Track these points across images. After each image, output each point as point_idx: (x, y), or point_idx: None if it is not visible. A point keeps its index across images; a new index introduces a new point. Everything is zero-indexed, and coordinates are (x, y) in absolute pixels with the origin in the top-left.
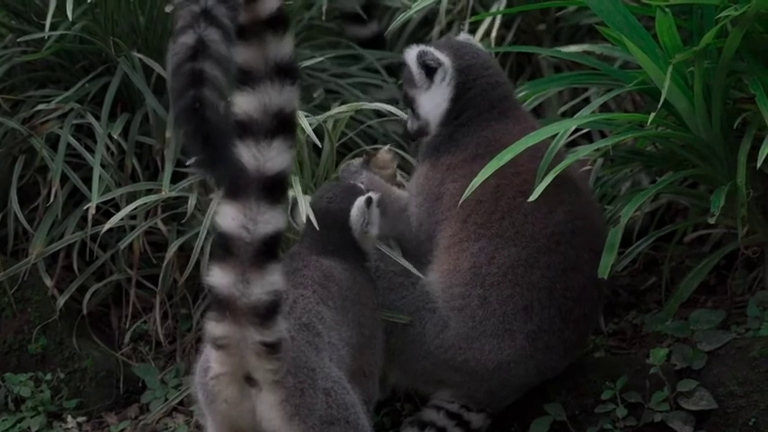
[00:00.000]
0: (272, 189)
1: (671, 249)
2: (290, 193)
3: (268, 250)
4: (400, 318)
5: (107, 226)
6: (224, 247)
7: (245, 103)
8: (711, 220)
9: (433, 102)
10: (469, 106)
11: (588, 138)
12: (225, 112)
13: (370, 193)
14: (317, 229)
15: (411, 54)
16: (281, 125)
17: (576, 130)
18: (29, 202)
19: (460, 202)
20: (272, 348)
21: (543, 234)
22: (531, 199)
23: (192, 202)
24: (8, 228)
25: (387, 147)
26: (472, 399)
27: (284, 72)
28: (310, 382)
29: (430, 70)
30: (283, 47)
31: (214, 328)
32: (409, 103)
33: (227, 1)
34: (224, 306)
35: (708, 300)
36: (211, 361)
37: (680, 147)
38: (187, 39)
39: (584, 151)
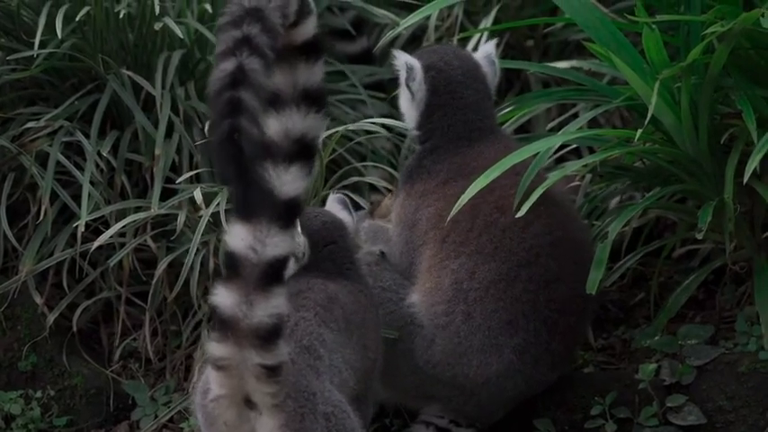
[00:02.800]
0: (285, 213)
1: (659, 265)
2: None
3: (274, 273)
4: (388, 333)
5: (97, 243)
6: (231, 267)
7: (268, 126)
8: (699, 236)
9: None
10: (437, 128)
11: (577, 153)
12: (260, 142)
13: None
14: (313, 251)
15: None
16: (301, 151)
17: (565, 146)
18: (18, 220)
19: (447, 221)
20: (272, 371)
21: (522, 248)
22: (519, 215)
23: (181, 219)
24: None
25: (389, 195)
26: (461, 414)
27: (311, 99)
28: (311, 407)
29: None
30: (314, 74)
31: (215, 348)
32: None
33: (270, 30)
34: (226, 326)
35: (696, 315)
36: (211, 383)
37: (667, 162)
38: (228, 65)
39: (571, 167)
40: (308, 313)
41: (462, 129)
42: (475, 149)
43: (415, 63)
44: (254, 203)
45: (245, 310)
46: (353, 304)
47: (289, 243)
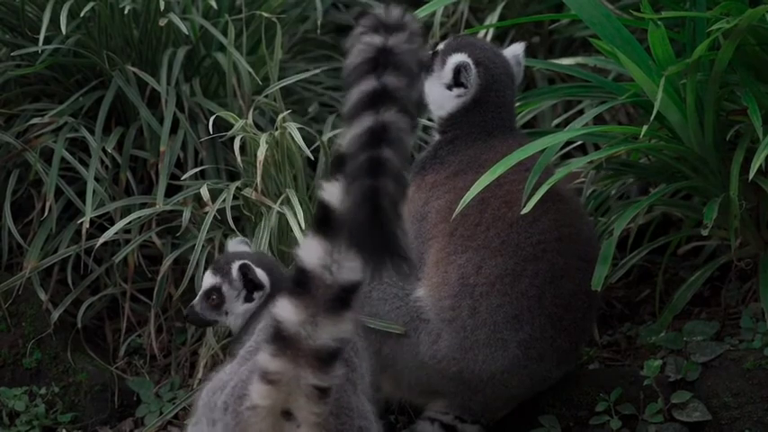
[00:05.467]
0: None
1: (665, 261)
2: (283, 208)
3: (346, 298)
4: (394, 328)
5: (101, 240)
6: (302, 283)
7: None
8: (704, 232)
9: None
10: (468, 121)
11: (583, 150)
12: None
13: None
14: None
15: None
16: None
17: (571, 142)
18: (23, 216)
19: (453, 216)
20: (323, 393)
21: (529, 243)
22: (525, 211)
23: (186, 215)
24: (2, 242)
25: None
26: (466, 410)
27: None
28: (349, 423)
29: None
30: None
31: (269, 362)
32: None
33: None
34: (286, 342)
35: (701, 311)
36: (252, 392)
37: (673, 159)
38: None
39: (577, 163)
40: None
41: (490, 125)
42: (488, 143)
43: (469, 60)
44: (331, 219)
45: (310, 330)
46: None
47: (364, 270)
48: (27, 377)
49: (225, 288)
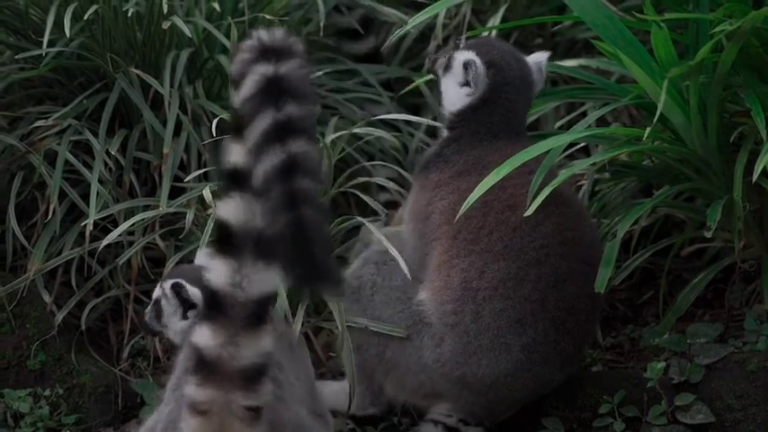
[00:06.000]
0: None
1: (668, 263)
2: None
3: (262, 311)
4: (397, 331)
5: (105, 242)
6: (215, 305)
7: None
8: (708, 234)
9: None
10: (474, 120)
11: (586, 152)
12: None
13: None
14: None
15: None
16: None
17: (574, 144)
18: (27, 219)
19: (456, 218)
20: (256, 413)
21: (532, 247)
22: (528, 214)
23: (189, 217)
24: (6, 244)
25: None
26: (470, 413)
27: None
28: None
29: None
30: None
31: (196, 392)
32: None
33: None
34: (210, 368)
35: (705, 313)
36: (185, 428)
37: (676, 161)
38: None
39: (580, 165)
40: None
41: (497, 127)
42: (493, 145)
43: (477, 59)
44: (233, 239)
45: (232, 351)
46: (277, 320)
47: (274, 279)
48: (31, 379)
49: (163, 303)
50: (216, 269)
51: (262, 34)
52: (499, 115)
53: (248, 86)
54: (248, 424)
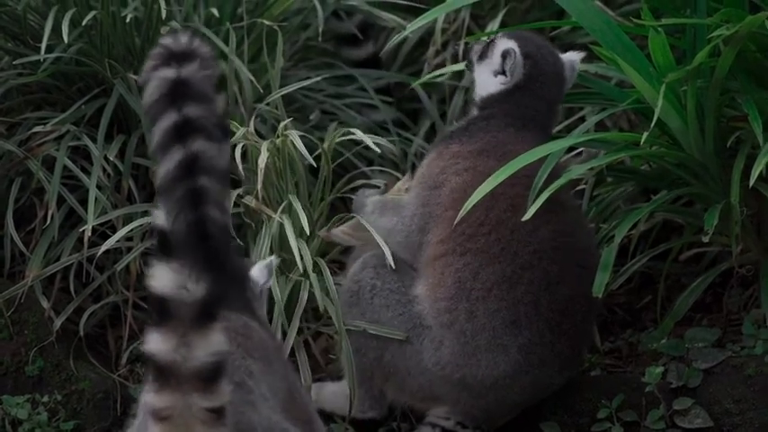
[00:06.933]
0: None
1: (666, 267)
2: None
3: (210, 309)
4: (397, 334)
5: (104, 248)
6: (162, 311)
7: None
8: (705, 239)
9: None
10: (506, 105)
11: None
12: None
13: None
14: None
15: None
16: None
17: (573, 149)
18: (25, 225)
19: (457, 220)
20: (218, 414)
21: (526, 251)
22: (525, 218)
23: None
24: (4, 250)
25: (406, 176)
26: (468, 416)
27: None
28: None
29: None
30: None
31: (155, 399)
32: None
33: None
34: (165, 374)
35: (703, 318)
36: None
37: (674, 165)
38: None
39: (578, 170)
40: (231, 346)
41: (527, 115)
42: (520, 134)
43: (517, 49)
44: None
45: (185, 353)
46: (264, 332)
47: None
48: (29, 385)
49: None
50: (159, 275)
51: (166, 40)
52: (531, 104)
53: (150, 91)
54: (211, 426)
